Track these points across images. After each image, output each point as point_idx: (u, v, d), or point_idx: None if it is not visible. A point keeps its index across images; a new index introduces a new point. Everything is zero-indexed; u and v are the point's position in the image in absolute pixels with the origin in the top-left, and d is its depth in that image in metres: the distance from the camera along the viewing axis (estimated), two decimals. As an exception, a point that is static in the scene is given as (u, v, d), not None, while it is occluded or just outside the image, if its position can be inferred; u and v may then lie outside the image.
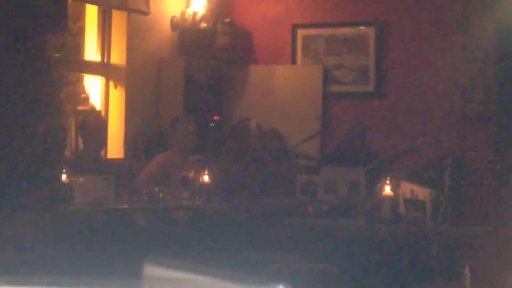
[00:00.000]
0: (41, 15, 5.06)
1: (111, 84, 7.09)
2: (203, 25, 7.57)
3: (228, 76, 7.89)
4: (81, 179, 5.12)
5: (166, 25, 7.46)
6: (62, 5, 5.44)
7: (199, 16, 7.55)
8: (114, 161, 6.66)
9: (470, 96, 6.94)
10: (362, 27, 7.56)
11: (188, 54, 7.48)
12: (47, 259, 4.29)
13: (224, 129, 7.68)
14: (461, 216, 6.33)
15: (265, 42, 7.90)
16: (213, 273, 0.73)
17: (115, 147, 7.02)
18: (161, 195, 5.53)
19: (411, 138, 6.83)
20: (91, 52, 7.07)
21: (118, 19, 7.07)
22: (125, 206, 5.43)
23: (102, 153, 6.50)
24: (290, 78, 7.75)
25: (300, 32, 7.76)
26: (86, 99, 6.87)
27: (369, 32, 7.51)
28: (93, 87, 7.05)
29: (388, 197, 4.99)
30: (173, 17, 7.49)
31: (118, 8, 6.93)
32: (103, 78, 7.09)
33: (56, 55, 6.52)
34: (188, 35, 7.51)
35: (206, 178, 5.66)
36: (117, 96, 7.08)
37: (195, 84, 7.49)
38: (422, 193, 5.03)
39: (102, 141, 6.13)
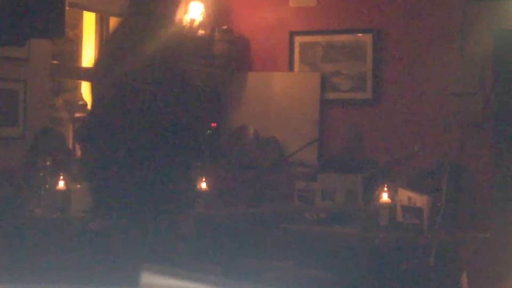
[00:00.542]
0: (38, 22, 5.06)
1: (109, 91, 7.08)
2: (201, 32, 7.57)
3: (225, 83, 7.89)
4: (78, 186, 5.12)
5: (163, 32, 7.46)
6: (59, 12, 5.44)
7: (196, 23, 7.56)
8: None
9: (467, 103, 6.95)
10: (360, 34, 7.57)
11: (186, 61, 7.48)
12: (45, 266, 4.28)
13: (222, 136, 7.68)
14: (458, 223, 6.33)
15: (263, 49, 7.91)
16: (210, 280, 0.73)
17: (112, 154, 7.01)
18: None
19: (409, 145, 6.83)
20: (89, 59, 7.07)
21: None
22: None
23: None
24: (288, 85, 7.75)
25: (298, 39, 7.77)
26: (84, 106, 6.86)
27: (367, 39, 7.52)
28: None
29: (385, 204, 4.99)
30: (170, 24, 7.49)
31: (116, 15, 6.94)
32: (101, 85, 7.09)
33: (54, 62, 6.52)
34: (185, 42, 7.51)
35: (203, 185, 5.66)
36: (115, 103, 7.07)
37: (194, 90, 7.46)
38: (419, 200, 5.03)
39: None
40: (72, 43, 7.13)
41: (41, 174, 5.09)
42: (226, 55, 7.76)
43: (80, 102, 6.87)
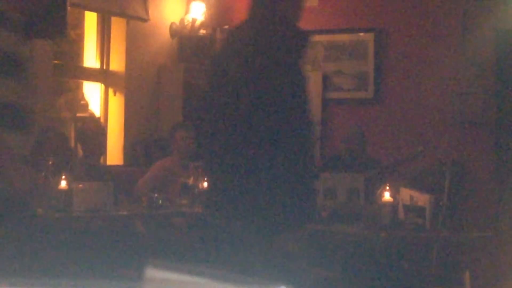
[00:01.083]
0: (40, 22, 5.06)
1: (110, 91, 7.10)
2: (202, 32, 7.57)
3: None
4: (80, 185, 5.12)
5: (165, 32, 7.46)
6: (61, 12, 5.44)
7: (198, 23, 7.56)
8: (113, 168, 6.66)
9: (469, 102, 6.95)
10: (361, 34, 7.57)
11: (187, 61, 7.49)
12: (47, 265, 4.29)
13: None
14: (460, 222, 6.33)
15: (264, 48, 7.90)
16: (214, 275, 0.73)
17: (114, 154, 7.02)
18: (160, 202, 5.52)
19: (411, 144, 6.83)
20: (90, 59, 7.08)
21: (117, 26, 7.08)
22: (124, 213, 5.43)
23: (102, 159, 6.50)
24: (289, 85, 7.74)
25: (299, 39, 7.76)
26: (85, 106, 6.87)
27: (368, 38, 7.51)
28: (92, 94, 7.05)
29: (387, 203, 4.99)
30: (172, 24, 7.50)
31: (117, 15, 6.94)
32: (102, 85, 7.10)
33: (56, 62, 6.53)
34: (187, 42, 7.51)
35: (205, 185, 5.66)
36: (116, 103, 7.08)
37: (195, 91, 7.48)
38: (421, 199, 5.03)
39: (101, 148, 6.13)
40: (74, 43, 7.13)
41: (43, 174, 5.09)
42: (227, 54, 7.76)
43: (82, 102, 6.88)
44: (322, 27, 7.67)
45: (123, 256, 4.78)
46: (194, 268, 0.75)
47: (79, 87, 7.10)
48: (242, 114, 3.18)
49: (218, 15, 7.81)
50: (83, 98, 6.92)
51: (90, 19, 7.08)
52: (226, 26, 7.80)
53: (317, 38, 7.71)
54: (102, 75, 7.08)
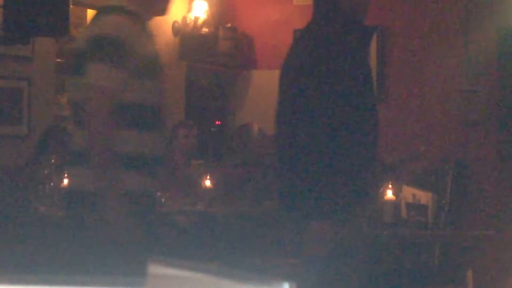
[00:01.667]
0: (43, 20, 5.07)
1: (113, 89, 7.09)
2: (205, 30, 7.57)
3: (229, 81, 7.89)
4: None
5: (167, 30, 7.46)
6: (63, 10, 5.44)
7: (200, 21, 7.55)
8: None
9: (472, 100, 6.94)
10: (364, 32, 7.55)
11: (190, 59, 7.48)
12: (48, 265, 4.29)
13: (226, 134, 7.68)
14: (463, 220, 6.33)
15: (267, 47, 7.90)
16: (217, 271, 0.73)
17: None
18: (163, 199, 5.52)
19: (413, 142, 6.82)
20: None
21: (120, 24, 7.07)
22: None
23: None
24: (292, 83, 7.73)
25: (302, 37, 7.75)
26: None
27: (371, 36, 7.50)
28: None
29: (390, 202, 4.98)
30: (174, 22, 7.49)
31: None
32: (105, 83, 7.09)
33: (58, 60, 6.53)
34: (189, 40, 7.51)
35: (207, 183, 5.66)
36: (119, 101, 7.07)
37: (197, 89, 7.49)
38: (424, 197, 5.02)
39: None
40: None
41: (46, 172, 5.09)
42: (230, 53, 7.76)
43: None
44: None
45: (124, 254, 4.78)
46: (197, 264, 0.75)
47: (81, 86, 7.09)
48: (321, 114, 3.22)
49: (221, 13, 7.81)
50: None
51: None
52: (229, 24, 7.80)
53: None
54: (105, 74, 7.07)
